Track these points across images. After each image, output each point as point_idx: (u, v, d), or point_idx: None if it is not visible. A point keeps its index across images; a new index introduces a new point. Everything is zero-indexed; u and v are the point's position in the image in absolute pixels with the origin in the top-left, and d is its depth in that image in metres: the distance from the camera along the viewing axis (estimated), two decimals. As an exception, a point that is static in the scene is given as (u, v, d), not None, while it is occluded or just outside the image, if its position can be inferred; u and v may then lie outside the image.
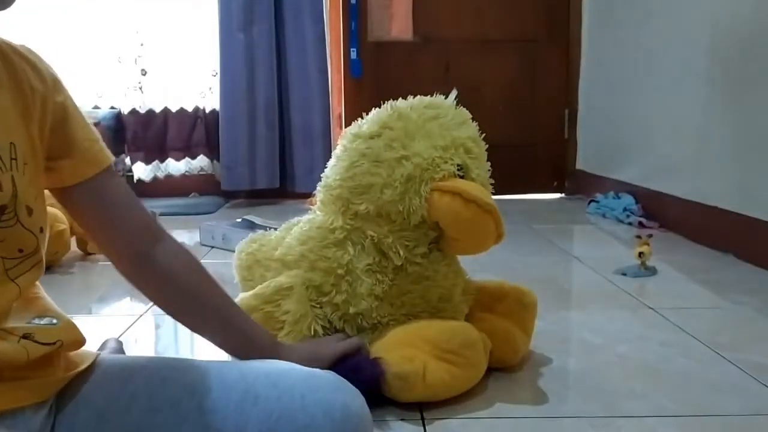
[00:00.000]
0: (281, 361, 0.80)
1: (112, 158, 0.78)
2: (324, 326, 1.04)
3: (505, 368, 1.10)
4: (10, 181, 0.64)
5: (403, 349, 0.97)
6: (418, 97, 1.10)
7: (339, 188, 1.06)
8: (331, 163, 1.11)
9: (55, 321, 0.71)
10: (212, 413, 0.71)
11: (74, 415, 0.71)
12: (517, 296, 1.15)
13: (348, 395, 0.73)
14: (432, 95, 1.10)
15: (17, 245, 0.66)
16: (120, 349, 1.14)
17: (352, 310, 1.04)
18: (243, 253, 1.24)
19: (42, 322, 0.70)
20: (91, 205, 0.77)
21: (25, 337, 0.67)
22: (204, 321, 0.85)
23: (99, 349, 1.08)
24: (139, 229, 0.81)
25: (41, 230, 0.69)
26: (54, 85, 0.72)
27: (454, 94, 1.11)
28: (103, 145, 0.77)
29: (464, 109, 1.11)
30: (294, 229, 1.14)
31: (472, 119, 1.11)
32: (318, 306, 1.05)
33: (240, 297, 1.10)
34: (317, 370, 0.77)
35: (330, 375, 0.76)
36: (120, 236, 0.80)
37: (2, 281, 0.66)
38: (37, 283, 0.73)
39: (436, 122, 1.05)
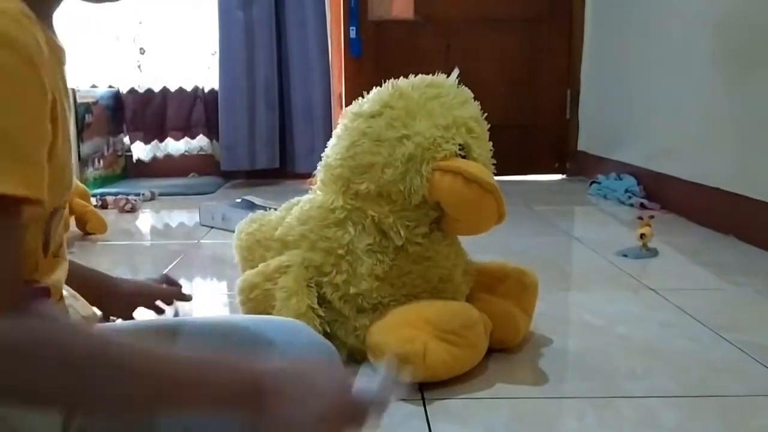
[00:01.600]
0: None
1: None
2: (318, 304, 1.03)
3: (506, 349, 1.10)
4: None
5: (404, 330, 0.97)
6: (420, 76, 1.09)
7: (340, 168, 1.05)
8: (331, 142, 1.10)
9: (76, 296, 0.74)
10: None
11: None
12: (518, 277, 1.15)
13: (324, 341, 0.79)
14: (433, 75, 1.09)
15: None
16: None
17: (352, 290, 1.03)
18: (243, 234, 1.24)
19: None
20: None
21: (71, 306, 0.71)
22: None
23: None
24: None
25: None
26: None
27: (456, 73, 1.10)
28: None
29: (466, 88, 1.09)
30: (294, 209, 1.14)
31: (474, 99, 1.11)
32: (317, 286, 1.04)
33: (243, 276, 1.11)
34: (292, 320, 0.84)
35: (302, 323, 0.84)
36: None
37: (63, 258, 0.68)
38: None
39: (437, 101, 1.04)
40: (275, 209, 1.23)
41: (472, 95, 1.10)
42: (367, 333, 1.01)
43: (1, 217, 0.48)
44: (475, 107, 1.09)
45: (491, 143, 1.11)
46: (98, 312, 0.91)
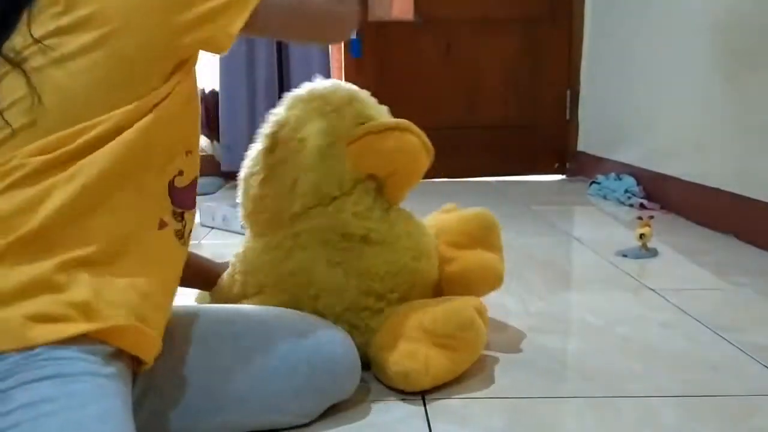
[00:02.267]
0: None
1: None
2: None
3: (506, 349, 1.10)
4: None
5: (403, 345, 0.95)
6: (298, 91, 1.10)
7: (266, 210, 1.06)
8: (242, 197, 1.11)
9: None
10: (243, 338, 0.84)
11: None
12: (477, 222, 1.17)
13: (336, 327, 0.93)
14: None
15: None
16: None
17: (337, 308, 1.00)
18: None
19: None
20: None
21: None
22: None
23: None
24: None
25: None
26: None
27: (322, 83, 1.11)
28: None
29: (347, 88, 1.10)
30: (233, 264, 1.09)
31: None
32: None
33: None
34: (304, 313, 0.95)
35: (315, 316, 0.95)
36: None
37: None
38: None
39: (317, 105, 1.05)
40: None
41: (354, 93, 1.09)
42: (368, 348, 0.99)
43: None
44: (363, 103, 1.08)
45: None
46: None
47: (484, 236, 1.15)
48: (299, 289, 1.01)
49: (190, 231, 0.81)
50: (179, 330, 0.80)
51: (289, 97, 1.09)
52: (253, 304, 1.01)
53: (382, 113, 1.07)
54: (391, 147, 1.00)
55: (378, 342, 0.98)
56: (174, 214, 0.77)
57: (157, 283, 0.71)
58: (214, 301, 1.11)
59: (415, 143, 1.01)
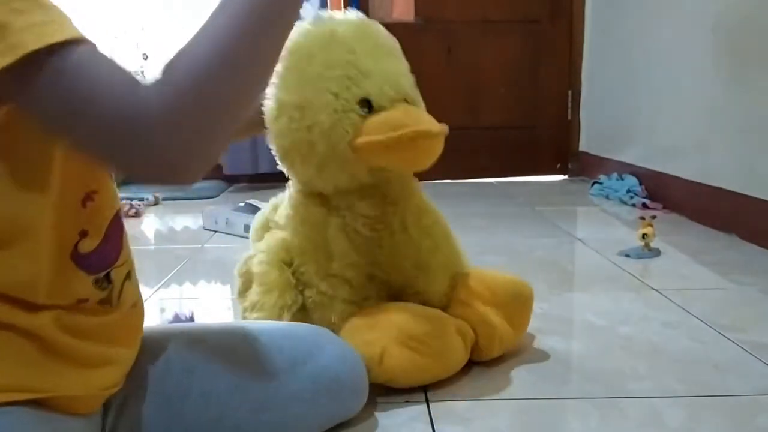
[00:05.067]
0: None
1: None
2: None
3: (508, 350, 1.09)
4: None
5: (366, 333, 0.94)
6: (294, 34, 0.96)
7: (292, 175, 1.07)
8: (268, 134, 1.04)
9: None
10: (243, 366, 0.78)
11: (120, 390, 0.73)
12: (508, 287, 1.08)
13: (348, 345, 0.89)
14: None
15: None
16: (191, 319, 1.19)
17: (331, 272, 1.02)
18: (255, 231, 1.23)
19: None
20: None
21: (134, 305, 0.72)
22: None
23: (171, 322, 1.16)
24: None
25: None
26: None
27: (309, 6, 1.04)
28: None
29: (327, 17, 1.01)
30: (279, 210, 1.13)
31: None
32: (298, 273, 1.05)
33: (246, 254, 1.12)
34: (318, 326, 0.90)
35: (324, 328, 0.90)
36: None
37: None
38: None
39: (308, 75, 0.96)
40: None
41: (337, 20, 1.00)
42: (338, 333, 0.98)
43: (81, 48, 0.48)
44: (345, 41, 0.97)
45: (413, 77, 1.05)
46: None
47: (509, 306, 1.06)
48: (309, 238, 1.04)
49: (126, 284, 0.70)
50: (176, 359, 0.77)
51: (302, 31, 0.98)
52: (268, 236, 1.08)
53: (381, 74, 0.97)
54: (403, 156, 0.95)
55: (346, 329, 0.98)
56: (96, 282, 0.65)
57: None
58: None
59: (428, 146, 0.94)
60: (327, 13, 1.03)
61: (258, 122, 1.01)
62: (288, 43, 0.92)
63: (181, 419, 0.75)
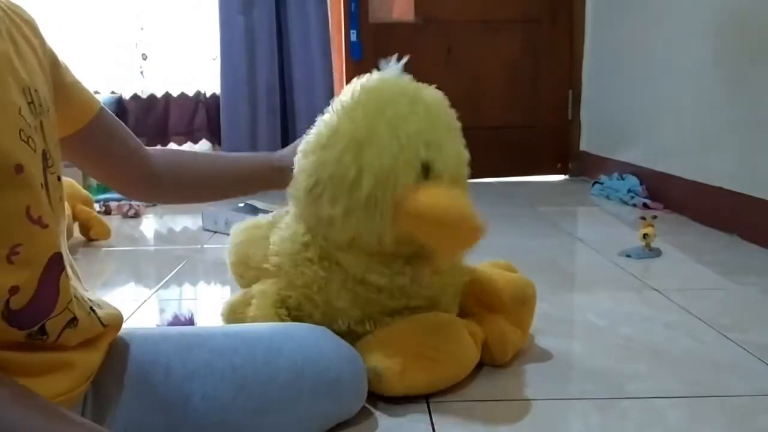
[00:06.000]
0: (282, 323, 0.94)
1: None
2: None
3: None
4: (40, 127, 0.64)
5: (384, 348, 0.93)
6: (366, 77, 0.98)
7: (303, 212, 0.99)
8: (298, 164, 0.98)
9: (98, 304, 0.73)
10: (243, 369, 0.77)
11: (112, 394, 0.72)
12: (513, 292, 1.08)
13: (345, 343, 0.89)
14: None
15: (59, 193, 0.67)
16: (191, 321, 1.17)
17: (333, 327, 0.97)
18: (234, 247, 1.18)
19: (92, 303, 0.72)
20: (98, 143, 0.83)
21: (92, 309, 0.70)
22: (213, 188, 0.99)
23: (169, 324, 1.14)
24: (138, 151, 0.90)
25: (59, 179, 0.68)
26: (44, 39, 0.72)
27: (396, 64, 1.00)
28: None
29: (410, 79, 0.98)
30: (278, 228, 1.08)
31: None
32: (295, 319, 1.01)
33: (228, 300, 1.10)
34: (316, 326, 0.91)
35: (326, 329, 0.90)
36: (129, 162, 0.89)
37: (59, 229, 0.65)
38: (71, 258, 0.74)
39: (383, 118, 0.92)
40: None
41: (423, 86, 0.98)
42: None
43: None
44: (428, 106, 0.96)
45: (464, 141, 1.00)
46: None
47: (513, 308, 1.06)
48: (307, 296, 1.00)
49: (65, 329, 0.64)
50: (176, 363, 0.77)
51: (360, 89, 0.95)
52: (263, 285, 1.03)
53: (448, 154, 0.94)
54: (435, 236, 0.90)
55: (361, 346, 0.96)
56: (29, 336, 0.60)
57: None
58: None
59: (469, 237, 0.89)
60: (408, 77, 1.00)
61: (277, 177, 1.00)
62: (365, 82, 0.95)
63: (182, 424, 0.74)
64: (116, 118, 0.88)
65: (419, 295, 1.00)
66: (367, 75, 0.98)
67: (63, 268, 0.63)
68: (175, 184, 0.95)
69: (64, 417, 0.57)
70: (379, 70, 0.99)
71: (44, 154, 0.63)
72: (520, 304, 1.08)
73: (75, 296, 0.66)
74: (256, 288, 1.05)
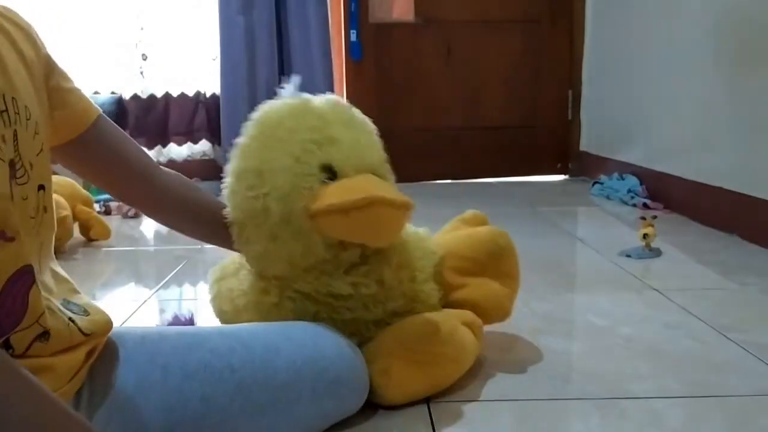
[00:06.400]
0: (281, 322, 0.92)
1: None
2: None
3: (509, 350, 1.09)
4: (12, 136, 0.62)
5: (380, 362, 0.91)
6: (262, 108, 0.98)
7: (247, 259, 0.97)
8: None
9: (86, 311, 0.72)
10: (242, 370, 0.77)
11: (108, 397, 0.72)
12: (487, 249, 1.07)
13: (345, 340, 0.88)
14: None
15: (33, 204, 0.65)
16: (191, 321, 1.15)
17: None
18: (214, 283, 1.14)
19: (77, 310, 0.70)
20: (97, 151, 0.83)
21: (71, 320, 0.68)
22: (206, 224, 0.97)
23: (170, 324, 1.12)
24: (139, 158, 0.89)
25: (40, 188, 0.66)
26: (35, 37, 0.72)
27: (292, 83, 1.01)
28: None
29: (302, 93, 0.99)
30: (239, 275, 1.04)
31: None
32: None
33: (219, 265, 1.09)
34: (314, 323, 0.90)
35: (325, 326, 0.89)
36: (128, 170, 0.88)
37: (31, 241, 0.64)
38: (56, 263, 0.73)
39: (276, 137, 0.92)
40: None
41: (311, 97, 0.98)
42: None
43: None
44: (318, 111, 0.95)
45: (376, 131, 0.98)
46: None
47: (493, 263, 1.07)
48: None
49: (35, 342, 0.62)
50: (174, 364, 0.76)
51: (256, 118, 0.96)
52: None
53: (347, 146, 0.92)
54: (358, 227, 0.87)
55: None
56: None
57: None
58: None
59: (388, 216, 0.87)
60: (305, 95, 0.99)
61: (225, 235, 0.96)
62: (255, 114, 0.96)
63: (181, 424, 0.74)
64: (117, 127, 0.87)
65: (392, 298, 0.97)
66: (261, 106, 0.99)
67: (33, 282, 0.61)
68: (172, 209, 0.95)
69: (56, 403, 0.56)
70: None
71: (12, 164, 0.61)
72: (497, 258, 1.08)
73: (49, 308, 0.64)
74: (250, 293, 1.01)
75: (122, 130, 0.89)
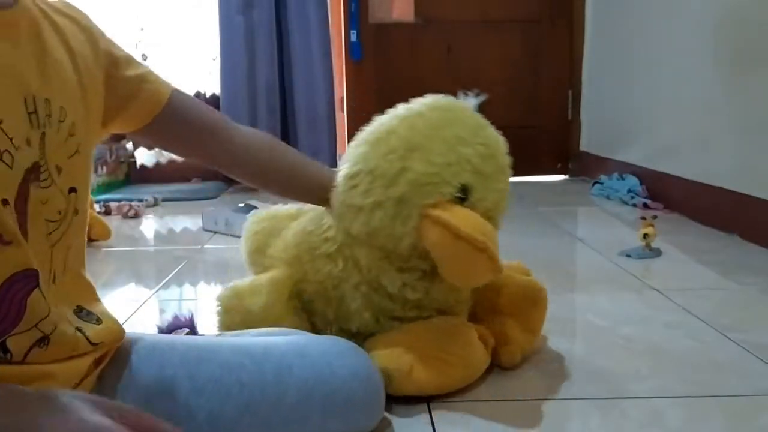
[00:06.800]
0: (299, 334, 0.90)
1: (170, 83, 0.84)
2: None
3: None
4: (39, 138, 0.61)
5: (394, 348, 0.93)
6: (435, 97, 1.02)
7: (339, 201, 0.98)
8: (345, 157, 1.00)
9: (99, 319, 0.71)
10: (252, 386, 0.74)
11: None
12: (528, 295, 1.08)
13: (364, 358, 0.85)
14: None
15: (57, 207, 0.65)
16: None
17: (345, 326, 1.00)
18: (251, 234, 1.21)
19: (89, 318, 0.70)
20: (172, 127, 0.85)
21: (78, 329, 0.67)
22: (287, 177, 1.01)
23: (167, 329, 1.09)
24: (215, 123, 0.92)
25: (71, 191, 0.66)
26: (94, 31, 0.73)
27: (475, 100, 1.05)
28: (154, 71, 0.83)
29: (481, 117, 1.02)
30: (299, 220, 1.10)
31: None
32: (307, 313, 1.02)
33: (234, 285, 1.06)
34: (334, 338, 0.88)
35: (347, 342, 0.86)
36: (206, 137, 0.90)
37: (44, 245, 0.63)
38: (85, 268, 0.73)
39: (442, 133, 0.94)
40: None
41: (489, 124, 1.02)
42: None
43: None
44: (488, 139, 0.99)
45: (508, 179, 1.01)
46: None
47: (525, 311, 1.07)
48: (322, 293, 1.01)
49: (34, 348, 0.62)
50: (183, 377, 0.74)
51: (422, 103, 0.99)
52: (276, 272, 1.03)
53: (490, 191, 0.95)
54: (457, 255, 0.88)
55: (369, 345, 0.96)
56: None
57: None
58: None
59: (483, 266, 0.87)
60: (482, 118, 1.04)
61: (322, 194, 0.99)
62: (435, 99, 1.01)
63: (221, 411, 0.72)
64: (191, 97, 0.90)
65: (431, 308, 1.01)
66: (440, 95, 1.03)
67: (35, 286, 0.60)
68: (253, 170, 0.99)
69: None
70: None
71: (35, 167, 0.60)
72: (531, 306, 1.08)
73: (57, 314, 0.63)
74: (266, 276, 1.04)
75: (194, 99, 0.92)
